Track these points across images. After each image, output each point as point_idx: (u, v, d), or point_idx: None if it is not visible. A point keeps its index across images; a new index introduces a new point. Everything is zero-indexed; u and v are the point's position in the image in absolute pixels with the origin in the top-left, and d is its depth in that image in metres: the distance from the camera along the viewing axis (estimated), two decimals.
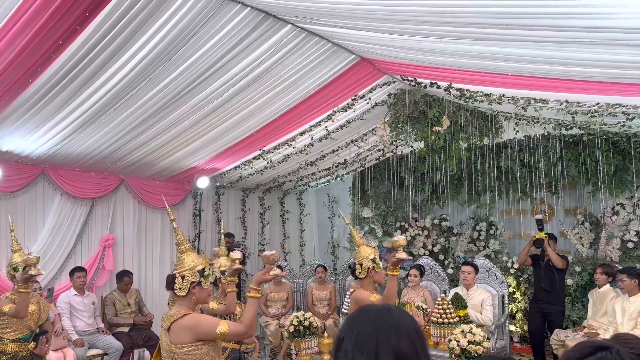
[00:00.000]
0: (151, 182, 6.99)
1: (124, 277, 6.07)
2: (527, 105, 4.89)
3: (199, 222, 7.67)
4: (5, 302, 3.96)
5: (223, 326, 2.51)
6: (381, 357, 1.12)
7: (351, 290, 5.67)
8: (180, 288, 2.57)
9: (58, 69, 3.88)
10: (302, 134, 6.29)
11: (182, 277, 2.58)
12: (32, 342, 4.02)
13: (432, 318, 4.80)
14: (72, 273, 5.74)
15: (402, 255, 3.27)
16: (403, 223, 8.26)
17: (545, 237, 5.92)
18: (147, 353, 6.31)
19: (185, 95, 4.73)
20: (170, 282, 2.64)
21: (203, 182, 7.17)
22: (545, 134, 6.53)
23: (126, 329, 5.88)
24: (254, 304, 2.69)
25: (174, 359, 2.50)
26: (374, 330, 1.17)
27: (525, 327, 6.95)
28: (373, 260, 3.53)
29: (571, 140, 6.68)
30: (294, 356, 5.17)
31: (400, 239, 3.40)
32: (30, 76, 3.90)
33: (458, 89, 5.02)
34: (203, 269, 2.64)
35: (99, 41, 3.66)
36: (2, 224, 5.53)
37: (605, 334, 5.15)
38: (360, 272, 3.54)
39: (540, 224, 6.05)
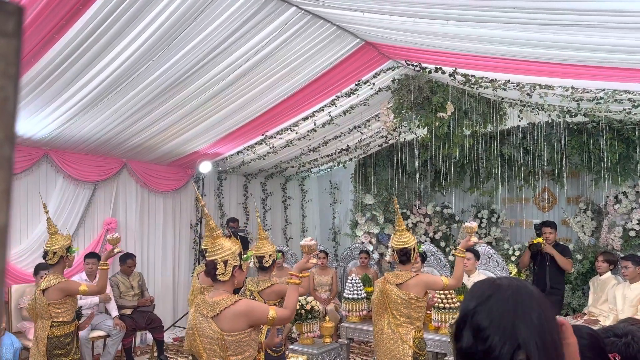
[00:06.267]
0: (153, 166, 6.98)
1: (127, 260, 6.08)
2: (532, 92, 4.86)
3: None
4: (74, 283, 3.99)
5: (272, 312, 2.52)
6: (521, 336, 1.04)
7: (353, 275, 5.69)
8: (223, 273, 2.51)
9: (61, 50, 3.85)
10: (305, 119, 6.27)
11: (225, 262, 2.51)
12: (77, 320, 4.12)
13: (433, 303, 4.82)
14: (84, 258, 5.73)
15: (475, 239, 3.60)
16: (405, 210, 8.27)
17: (543, 242, 5.88)
18: (149, 335, 6.36)
19: (188, 78, 4.70)
20: (212, 269, 2.55)
21: (205, 167, 7.16)
22: (550, 121, 6.49)
23: (129, 312, 5.91)
24: (295, 290, 2.72)
25: (225, 346, 2.43)
26: (512, 307, 1.07)
27: None
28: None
29: (575, 127, 6.65)
30: (295, 339, 5.21)
31: (472, 225, 3.66)
32: (33, 57, 3.88)
33: (463, 75, 4.98)
34: (241, 252, 2.62)
35: (102, 23, 3.62)
36: None
37: (606, 321, 5.17)
38: (413, 257, 3.66)
39: (538, 229, 6.05)
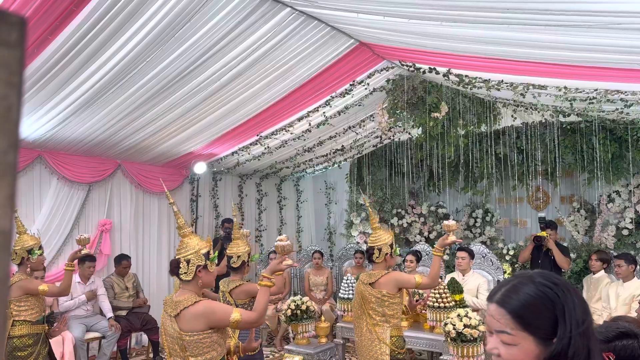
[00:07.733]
0: (148, 167, 6.97)
1: (122, 261, 6.07)
2: (526, 92, 4.89)
3: (196, 208, 7.68)
4: (35, 282, 3.94)
5: (236, 314, 2.45)
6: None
7: (348, 275, 5.70)
8: (185, 273, 2.46)
9: (55, 51, 3.84)
10: (299, 119, 6.27)
11: (188, 262, 2.47)
12: (46, 324, 4.06)
13: (428, 302, 4.84)
14: (82, 260, 5.57)
15: (453, 238, 3.52)
16: (400, 210, 8.29)
17: (547, 236, 5.90)
18: (144, 337, 6.34)
19: (182, 79, 4.70)
20: (175, 267, 2.52)
21: (200, 168, 7.15)
22: (543, 121, 6.54)
23: (124, 313, 5.89)
24: (266, 293, 2.65)
25: (183, 346, 2.40)
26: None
27: None
28: (391, 246, 3.62)
29: (568, 127, 6.70)
30: (291, 340, 5.22)
31: (451, 223, 3.60)
32: (27, 58, 3.86)
33: (457, 75, 5.01)
34: (208, 252, 2.56)
35: (96, 23, 3.62)
36: None
37: (599, 320, 5.21)
38: (377, 257, 3.60)
39: (542, 222, 6.05)
